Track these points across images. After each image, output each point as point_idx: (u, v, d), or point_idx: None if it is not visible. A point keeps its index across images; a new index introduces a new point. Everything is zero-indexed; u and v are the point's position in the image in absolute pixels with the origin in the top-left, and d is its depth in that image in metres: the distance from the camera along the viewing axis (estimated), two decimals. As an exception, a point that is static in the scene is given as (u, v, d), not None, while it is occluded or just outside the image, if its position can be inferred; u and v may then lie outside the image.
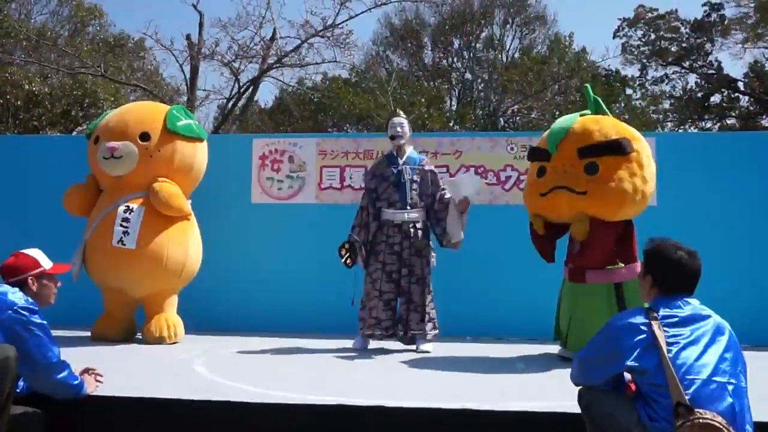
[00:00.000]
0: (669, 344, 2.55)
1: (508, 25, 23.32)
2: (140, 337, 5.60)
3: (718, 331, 2.63)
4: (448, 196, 5.36)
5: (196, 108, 18.28)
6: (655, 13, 23.09)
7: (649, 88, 24.12)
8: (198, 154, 5.91)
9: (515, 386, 4.05)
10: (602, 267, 4.70)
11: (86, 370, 3.44)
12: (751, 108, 23.02)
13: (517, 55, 23.19)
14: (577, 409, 2.83)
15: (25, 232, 6.32)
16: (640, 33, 23.55)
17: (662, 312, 2.64)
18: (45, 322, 3.09)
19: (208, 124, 21.07)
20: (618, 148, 4.63)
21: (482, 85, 22.90)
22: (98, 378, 3.47)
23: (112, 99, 17.93)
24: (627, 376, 2.73)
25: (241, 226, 6.59)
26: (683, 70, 23.54)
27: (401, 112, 5.60)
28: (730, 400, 2.49)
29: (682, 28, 23.16)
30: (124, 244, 5.32)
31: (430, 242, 5.39)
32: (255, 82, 18.61)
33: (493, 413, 3.28)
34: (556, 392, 3.62)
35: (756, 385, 2.82)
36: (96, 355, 4.72)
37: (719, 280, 4.97)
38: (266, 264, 6.52)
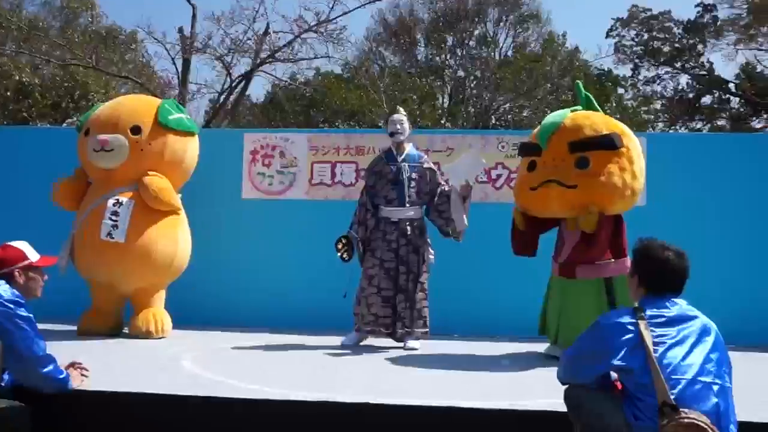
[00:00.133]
0: (655, 344, 2.56)
1: (501, 23, 23.34)
2: (127, 331, 5.58)
3: (704, 332, 2.64)
4: (447, 189, 5.35)
5: (188, 102, 18.23)
6: (649, 14, 23.20)
7: (640, 88, 24.25)
8: (189, 149, 5.88)
9: (502, 384, 4.06)
10: (593, 262, 4.71)
11: (72, 365, 3.43)
12: (742, 110, 23.16)
13: (510, 53, 23.21)
14: (564, 408, 2.83)
15: (12, 225, 6.25)
16: (633, 33, 23.67)
17: (649, 312, 2.65)
18: (31, 315, 3.07)
19: (200, 118, 21.00)
20: (609, 143, 4.68)
21: (475, 82, 22.92)
22: (84, 372, 3.46)
23: (103, 91, 17.84)
24: (613, 375, 2.74)
25: (231, 221, 6.57)
26: (675, 71, 23.66)
27: (401, 109, 5.59)
28: (714, 400, 2.50)
29: (675, 29, 23.27)
30: (113, 238, 5.29)
31: (428, 240, 5.38)
32: (247, 77, 18.56)
33: (480, 411, 3.28)
34: (543, 390, 3.63)
35: (742, 386, 2.83)
36: (82, 349, 4.69)
37: (708, 280, 4.99)
38: (256, 259, 6.50)
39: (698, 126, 23.62)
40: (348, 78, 22.52)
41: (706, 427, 2.39)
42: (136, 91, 16.67)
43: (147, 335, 5.43)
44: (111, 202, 5.36)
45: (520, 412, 3.27)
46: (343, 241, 5.30)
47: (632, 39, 23.68)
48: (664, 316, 2.64)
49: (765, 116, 22.71)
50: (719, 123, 23.15)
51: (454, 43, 23.17)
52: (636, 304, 2.76)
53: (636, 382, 2.56)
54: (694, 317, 2.68)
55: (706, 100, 23.68)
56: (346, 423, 3.31)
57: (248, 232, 6.56)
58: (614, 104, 22.16)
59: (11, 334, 2.98)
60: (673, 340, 2.58)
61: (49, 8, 20.79)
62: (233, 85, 18.54)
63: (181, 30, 17.97)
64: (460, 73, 23.18)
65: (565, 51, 22.81)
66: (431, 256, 5.36)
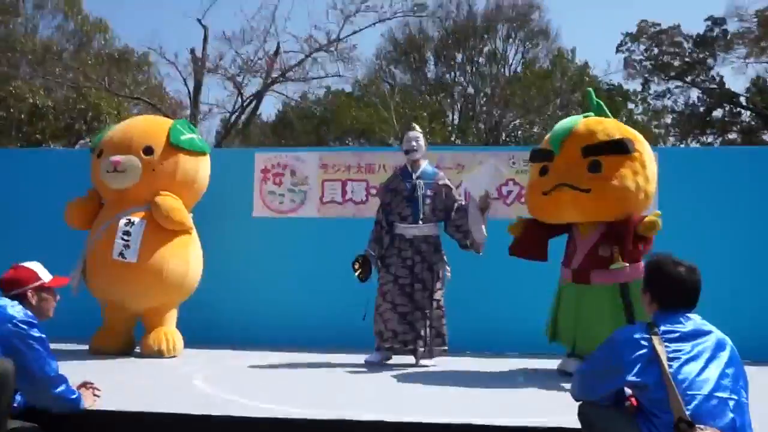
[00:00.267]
0: (670, 359, 2.53)
1: (510, 40, 23.43)
2: (138, 350, 5.58)
3: (719, 347, 2.61)
4: (465, 203, 5.36)
5: (199, 122, 18.36)
6: (658, 28, 23.19)
7: (651, 102, 24.22)
8: (200, 168, 5.92)
9: (516, 401, 4.02)
10: (608, 267, 4.68)
11: (84, 384, 3.43)
12: (753, 123, 23.06)
13: (519, 69, 23.28)
14: (578, 425, 2.80)
15: (26, 245, 6.30)
16: (642, 47, 23.67)
17: (663, 327, 2.63)
18: (44, 335, 3.08)
19: (211, 137, 21.17)
20: (621, 147, 4.71)
21: (484, 99, 22.98)
22: (96, 392, 3.46)
23: (116, 113, 18.03)
24: (628, 391, 2.71)
25: (242, 239, 6.58)
26: (685, 85, 23.61)
27: (416, 127, 5.60)
28: (731, 415, 2.47)
29: (685, 43, 23.25)
30: (125, 258, 5.31)
31: (444, 256, 5.37)
32: (258, 96, 18.70)
33: (496, 428, 3.25)
34: (557, 407, 3.59)
35: (758, 401, 2.79)
36: (94, 368, 4.70)
37: (720, 294, 4.95)
38: (267, 278, 6.50)
39: (710, 140, 23.53)
40: (358, 96, 22.66)
41: (722, 443, 2.36)
42: (149, 112, 16.84)
43: (159, 354, 5.43)
44: (123, 221, 5.39)
45: (535, 429, 3.24)
46: (360, 260, 5.30)
47: (642, 53, 23.69)
48: (678, 332, 2.62)
49: (777, 129, 22.63)
50: (731, 136, 23.06)
51: (464, 60, 23.28)
52: (650, 320, 2.74)
53: (651, 398, 2.53)
54: (709, 332, 2.65)
55: (717, 113, 23.62)
56: (359, 442, 3.28)
57: (259, 250, 6.58)
58: (625, 119, 22.13)
59: (24, 355, 2.98)
60: (688, 356, 2.55)
61: (63, 32, 21.12)
62: (244, 104, 18.71)
63: (192, 51, 18.16)
64: (470, 90, 23.27)
65: (575, 66, 22.86)
66: (448, 273, 5.34)
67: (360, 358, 5.35)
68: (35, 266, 3.29)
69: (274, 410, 3.51)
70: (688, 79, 23.41)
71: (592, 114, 5.09)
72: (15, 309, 3.05)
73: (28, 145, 17.43)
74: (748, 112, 23.22)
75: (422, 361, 5.19)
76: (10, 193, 6.87)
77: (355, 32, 18.03)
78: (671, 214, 5.93)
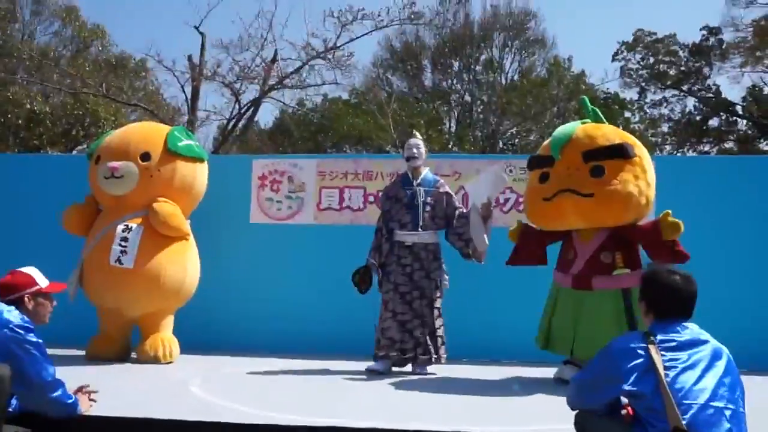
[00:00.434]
0: (666, 368, 2.53)
1: (507, 48, 23.49)
2: (135, 356, 5.57)
3: (715, 356, 2.61)
4: (465, 210, 5.36)
5: (197, 128, 18.37)
6: (654, 37, 23.29)
7: (647, 111, 24.28)
8: (198, 175, 5.92)
9: (512, 409, 4.02)
10: (609, 273, 4.70)
11: (80, 389, 3.42)
12: (749, 131, 23.13)
13: (516, 77, 23.34)
14: (574, 433, 2.80)
15: (23, 251, 6.30)
16: (638, 56, 23.74)
17: (660, 336, 2.63)
18: (41, 340, 3.08)
19: (208, 144, 21.16)
20: (622, 152, 4.73)
21: (481, 107, 23.03)
22: (92, 397, 3.45)
23: (113, 119, 18.02)
24: (624, 400, 2.71)
25: (239, 246, 6.58)
26: (682, 94, 23.69)
27: (417, 134, 5.61)
28: (727, 425, 2.47)
29: (681, 52, 23.34)
30: (122, 264, 5.31)
31: (443, 265, 5.37)
32: (256, 103, 18.70)
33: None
34: (553, 416, 3.59)
35: (755, 411, 2.80)
36: (90, 374, 4.68)
37: (717, 304, 4.96)
38: (264, 284, 6.50)
39: (706, 148, 23.59)
40: (355, 103, 22.67)
41: (719, 452, 2.36)
42: (146, 118, 16.83)
43: (155, 360, 5.42)
44: (120, 228, 5.39)
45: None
46: (361, 272, 5.30)
47: (638, 62, 23.77)
48: (675, 341, 2.62)
49: (773, 138, 22.70)
50: (727, 145, 23.13)
51: (461, 68, 23.33)
52: (646, 329, 2.74)
53: (647, 407, 2.53)
54: (706, 341, 2.65)
55: (714, 122, 23.68)
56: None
57: (256, 257, 6.58)
58: (621, 127, 22.15)
59: (20, 360, 2.98)
60: (685, 365, 2.55)
61: (60, 38, 21.13)
62: (242, 111, 18.69)
63: (190, 58, 18.17)
64: (467, 97, 23.32)
65: (571, 75, 22.92)
66: (446, 282, 5.34)
67: (357, 365, 5.35)
68: (32, 271, 3.29)
69: (270, 417, 3.50)
70: (685, 88, 23.49)
71: (589, 121, 5.12)
72: (12, 314, 3.05)
73: (25, 151, 17.41)
74: (745, 121, 23.30)
75: (420, 369, 5.18)
76: (8, 198, 6.86)
77: (352, 40, 18.06)
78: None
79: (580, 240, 4.88)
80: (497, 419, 3.64)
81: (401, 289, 5.23)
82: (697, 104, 23.59)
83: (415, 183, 5.39)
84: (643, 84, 23.81)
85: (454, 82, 23.64)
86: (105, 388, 3.77)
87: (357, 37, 18.09)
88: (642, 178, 4.73)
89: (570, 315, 4.83)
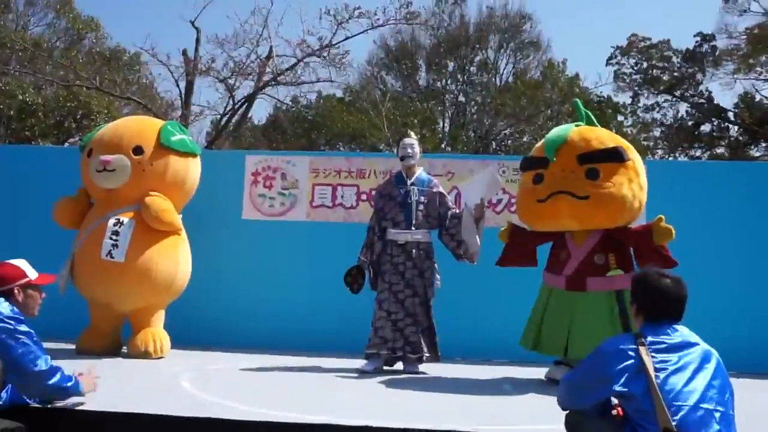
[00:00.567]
0: (657, 370, 2.55)
1: (502, 50, 23.56)
2: (125, 350, 5.55)
3: (705, 359, 2.63)
4: (458, 211, 5.37)
5: (190, 123, 18.30)
6: (648, 42, 23.40)
7: (640, 115, 24.38)
8: (191, 170, 5.90)
9: (503, 409, 4.03)
10: (603, 274, 4.73)
11: (80, 374, 3.44)
12: (741, 138, 23.27)
13: (510, 79, 23.40)
14: (564, 434, 2.82)
15: (13, 243, 6.27)
16: (632, 61, 23.86)
17: (650, 338, 2.64)
18: (32, 330, 3.08)
19: (202, 139, 21.09)
20: (616, 155, 4.77)
21: (475, 107, 23.08)
22: (94, 377, 3.50)
23: (106, 112, 17.94)
24: (614, 400, 2.72)
25: (231, 241, 6.57)
26: (674, 99, 23.81)
27: (412, 133, 5.62)
28: (717, 427, 2.49)
29: (674, 58, 23.46)
30: (113, 257, 5.28)
31: (435, 264, 5.37)
32: (250, 99, 18.66)
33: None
34: (544, 416, 3.61)
35: (744, 413, 2.81)
36: (81, 368, 4.65)
37: (707, 307, 4.99)
38: (255, 280, 6.48)
39: (697, 154, 23.72)
40: (350, 101, 22.67)
41: (708, 454, 2.37)
42: (139, 112, 16.76)
43: (145, 355, 5.40)
44: (112, 221, 5.37)
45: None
46: (353, 273, 5.30)
47: (632, 67, 23.88)
48: (665, 343, 2.63)
49: (764, 144, 22.83)
50: (718, 151, 23.25)
51: (455, 68, 23.37)
52: (637, 331, 2.76)
53: (637, 409, 2.55)
54: (695, 344, 2.67)
55: (706, 128, 23.81)
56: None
57: (248, 253, 6.56)
58: (614, 131, 22.24)
59: (14, 350, 2.99)
60: (675, 367, 2.57)
61: (54, 29, 21.02)
62: (236, 107, 18.64)
63: (185, 52, 18.10)
64: (461, 98, 23.35)
65: (565, 78, 22.99)
66: (438, 282, 5.34)
67: (350, 362, 5.35)
68: (21, 263, 3.30)
69: (261, 413, 3.50)
70: (677, 93, 23.61)
71: (582, 123, 5.14)
72: (2, 306, 3.05)
73: (16, 142, 17.31)
74: (736, 128, 23.44)
75: (410, 368, 5.19)
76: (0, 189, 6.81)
77: (347, 38, 18.04)
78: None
79: (574, 241, 4.89)
80: (489, 418, 3.65)
81: (394, 288, 5.23)
82: (689, 110, 23.72)
83: (409, 182, 5.39)
84: (637, 88, 23.92)
85: (449, 82, 23.69)
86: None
87: (352, 36, 18.09)
88: (635, 182, 4.77)
89: (563, 316, 4.83)
